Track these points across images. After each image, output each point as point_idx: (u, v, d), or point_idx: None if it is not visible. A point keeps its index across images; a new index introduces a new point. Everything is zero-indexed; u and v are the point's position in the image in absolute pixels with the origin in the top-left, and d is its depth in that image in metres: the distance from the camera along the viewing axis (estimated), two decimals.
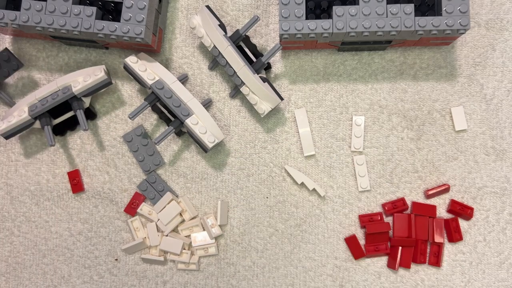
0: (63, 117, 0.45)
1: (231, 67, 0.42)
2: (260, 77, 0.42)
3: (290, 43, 0.43)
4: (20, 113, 0.43)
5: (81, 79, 0.43)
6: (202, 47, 0.46)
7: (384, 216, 0.44)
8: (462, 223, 0.44)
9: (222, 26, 0.42)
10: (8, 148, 0.46)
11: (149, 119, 0.46)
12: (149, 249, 0.45)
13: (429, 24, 0.39)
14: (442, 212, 0.44)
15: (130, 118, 0.42)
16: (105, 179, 0.46)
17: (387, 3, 0.39)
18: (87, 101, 0.44)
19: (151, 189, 0.45)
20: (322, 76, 0.45)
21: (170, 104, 0.42)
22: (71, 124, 0.46)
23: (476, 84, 0.45)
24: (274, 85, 0.44)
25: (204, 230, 0.45)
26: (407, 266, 0.43)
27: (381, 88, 0.45)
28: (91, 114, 0.45)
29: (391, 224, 0.44)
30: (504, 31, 0.45)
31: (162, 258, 0.44)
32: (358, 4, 0.39)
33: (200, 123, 0.42)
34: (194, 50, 0.46)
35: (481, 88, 0.45)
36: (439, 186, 0.44)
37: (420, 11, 0.41)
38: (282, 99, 0.43)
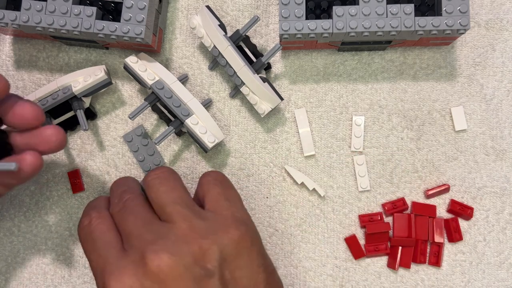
0: (63, 117, 0.45)
1: (231, 67, 0.42)
2: (260, 77, 0.42)
3: (290, 43, 0.43)
4: None
5: (81, 79, 0.43)
6: (202, 47, 0.46)
7: (384, 216, 0.44)
8: (462, 223, 0.44)
9: (222, 26, 0.42)
10: None
11: (149, 119, 0.46)
12: None
13: (429, 24, 0.39)
14: (442, 212, 0.45)
15: (130, 118, 0.42)
16: (105, 179, 0.46)
17: (387, 3, 0.39)
18: (87, 101, 0.44)
19: None
20: (322, 76, 0.45)
21: (170, 104, 0.42)
22: (71, 124, 0.46)
23: (476, 84, 0.45)
24: (274, 85, 0.44)
25: None
26: (407, 266, 0.44)
27: (381, 88, 0.45)
28: (91, 114, 0.45)
29: (391, 224, 0.44)
30: (504, 31, 0.45)
31: None
32: (358, 4, 0.39)
33: (200, 123, 0.42)
34: (194, 50, 0.46)
35: (481, 88, 0.45)
36: (439, 186, 0.44)
37: (420, 11, 0.41)
38: (282, 99, 0.43)
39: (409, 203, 0.44)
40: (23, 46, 0.47)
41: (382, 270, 0.44)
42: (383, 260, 0.44)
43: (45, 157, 0.46)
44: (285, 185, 0.45)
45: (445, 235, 0.44)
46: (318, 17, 0.41)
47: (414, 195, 0.45)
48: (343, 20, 0.39)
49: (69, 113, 0.45)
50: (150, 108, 0.44)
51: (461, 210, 0.43)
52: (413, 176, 0.45)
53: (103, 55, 0.46)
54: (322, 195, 0.44)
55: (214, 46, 0.42)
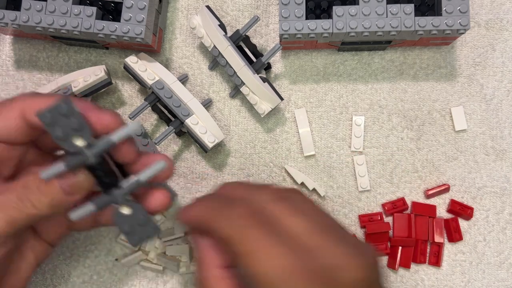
0: None
1: (231, 67, 0.42)
2: (260, 77, 0.42)
3: (290, 43, 0.43)
4: None
5: (81, 79, 0.43)
6: (202, 47, 0.46)
7: (384, 216, 0.44)
8: (462, 223, 0.44)
9: (222, 26, 0.42)
10: None
11: (149, 119, 0.46)
12: (147, 254, 0.44)
13: (429, 24, 0.39)
14: (442, 212, 0.44)
15: (130, 118, 0.42)
16: None
17: (387, 3, 0.39)
18: None
19: None
20: (322, 76, 0.45)
21: (170, 104, 0.42)
22: None
23: (476, 84, 0.45)
24: (274, 85, 0.44)
25: None
26: (407, 266, 0.43)
27: (381, 88, 0.45)
28: None
29: (391, 224, 0.44)
30: (504, 31, 0.45)
31: (160, 268, 0.43)
32: (358, 4, 0.39)
33: (200, 123, 0.42)
34: (194, 50, 0.46)
35: (481, 88, 0.45)
36: (439, 186, 0.44)
37: (420, 11, 0.41)
38: (282, 99, 0.43)
39: (409, 203, 0.44)
40: (23, 46, 0.47)
41: (382, 270, 0.44)
42: (383, 260, 0.44)
43: None
44: (285, 185, 0.45)
45: (445, 235, 0.44)
46: (318, 17, 0.41)
47: (414, 195, 0.45)
48: (343, 20, 0.39)
49: None
50: (150, 108, 0.44)
51: (461, 210, 0.43)
52: (413, 176, 0.45)
53: (103, 55, 0.46)
54: (322, 195, 0.44)
55: (214, 46, 0.42)
